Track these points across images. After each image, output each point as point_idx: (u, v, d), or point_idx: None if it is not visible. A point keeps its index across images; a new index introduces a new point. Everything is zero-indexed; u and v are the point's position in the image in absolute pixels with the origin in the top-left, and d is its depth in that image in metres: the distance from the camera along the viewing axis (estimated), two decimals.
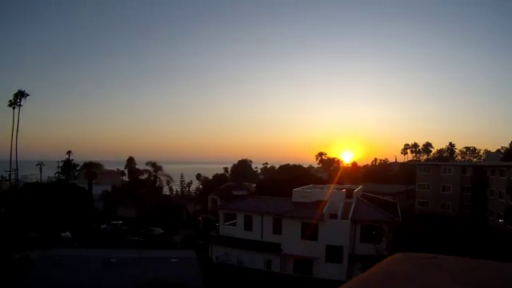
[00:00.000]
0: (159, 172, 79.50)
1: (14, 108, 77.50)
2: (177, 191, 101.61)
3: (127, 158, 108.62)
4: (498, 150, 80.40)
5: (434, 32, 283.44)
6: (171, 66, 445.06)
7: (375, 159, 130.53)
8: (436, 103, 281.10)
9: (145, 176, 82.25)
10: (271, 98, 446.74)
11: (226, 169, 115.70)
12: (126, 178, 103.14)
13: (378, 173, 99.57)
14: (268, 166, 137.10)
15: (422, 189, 54.43)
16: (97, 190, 69.73)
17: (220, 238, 35.91)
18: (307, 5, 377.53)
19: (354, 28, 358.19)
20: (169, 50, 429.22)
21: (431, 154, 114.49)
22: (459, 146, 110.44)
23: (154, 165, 79.71)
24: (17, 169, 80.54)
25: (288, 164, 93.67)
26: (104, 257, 21.75)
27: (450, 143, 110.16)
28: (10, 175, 79.79)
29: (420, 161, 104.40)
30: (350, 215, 29.69)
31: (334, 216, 30.47)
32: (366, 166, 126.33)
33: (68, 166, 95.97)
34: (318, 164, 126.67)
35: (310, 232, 30.15)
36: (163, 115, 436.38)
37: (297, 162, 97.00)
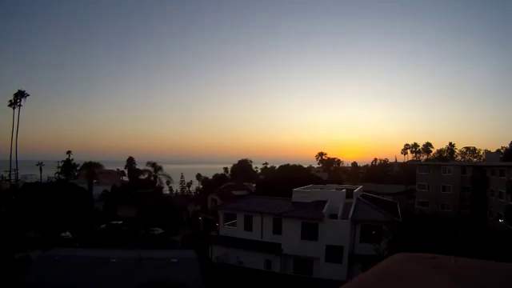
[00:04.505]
0: (159, 172, 79.53)
1: (14, 108, 77.71)
2: (177, 191, 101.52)
3: (127, 157, 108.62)
4: (498, 150, 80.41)
5: (435, 31, 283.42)
6: (171, 66, 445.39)
7: (375, 159, 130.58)
8: (436, 103, 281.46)
9: (145, 176, 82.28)
10: (271, 98, 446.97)
11: (225, 169, 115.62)
12: (126, 178, 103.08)
13: (378, 173, 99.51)
14: (268, 166, 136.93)
15: (422, 189, 54.37)
16: (97, 190, 69.74)
17: (220, 238, 35.92)
18: (307, 3, 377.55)
19: (354, 27, 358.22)
20: (169, 50, 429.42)
21: (431, 154, 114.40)
22: (459, 146, 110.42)
23: (153, 165, 79.73)
24: (17, 169, 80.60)
25: (288, 164, 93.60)
26: (104, 257, 21.71)
27: (450, 143, 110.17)
28: (10, 175, 79.91)
29: (420, 161, 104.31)
30: (350, 215, 29.67)
31: (333, 216, 30.46)
32: (366, 166, 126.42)
33: (68, 165, 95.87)
34: (318, 164, 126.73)
35: (309, 232, 30.15)
36: (164, 115, 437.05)
37: (297, 162, 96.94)
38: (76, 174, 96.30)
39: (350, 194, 35.26)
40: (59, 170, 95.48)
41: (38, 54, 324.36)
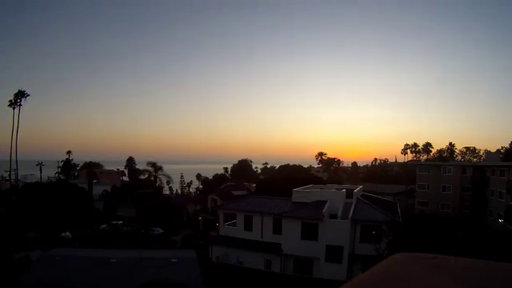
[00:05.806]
0: (159, 172, 79.60)
1: (14, 108, 77.74)
2: (177, 191, 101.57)
3: (127, 157, 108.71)
4: (498, 150, 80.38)
5: (434, 31, 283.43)
6: (171, 66, 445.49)
7: (375, 159, 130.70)
8: (436, 103, 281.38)
9: (145, 176, 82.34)
10: (271, 98, 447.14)
11: (225, 169, 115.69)
12: (126, 178, 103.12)
13: (378, 173, 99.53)
14: (268, 166, 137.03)
15: (422, 189, 54.37)
16: (97, 190, 69.81)
17: (220, 238, 35.93)
18: (308, 3, 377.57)
19: (353, 27, 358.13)
20: (169, 51, 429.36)
21: (431, 154, 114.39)
22: (459, 146, 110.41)
23: (154, 165, 79.79)
24: (17, 169, 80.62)
25: (288, 164, 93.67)
26: (104, 257, 21.71)
27: (450, 143, 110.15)
28: (10, 175, 79.93)
29: (420, 161, 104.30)
30: (350, 215, 29.67)
31: (333, 216, 30.45)
32: (366, 166, 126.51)
33: (68, 165, 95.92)
34: (318, 164, 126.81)
35: (309, 232, 30.15)
36: (164, 115, 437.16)
37: (297, 162, 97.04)
38: (76, 174, 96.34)
39: (350, 194, 35.26)
40: (59, 169, 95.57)
41: (38, 54, 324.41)
